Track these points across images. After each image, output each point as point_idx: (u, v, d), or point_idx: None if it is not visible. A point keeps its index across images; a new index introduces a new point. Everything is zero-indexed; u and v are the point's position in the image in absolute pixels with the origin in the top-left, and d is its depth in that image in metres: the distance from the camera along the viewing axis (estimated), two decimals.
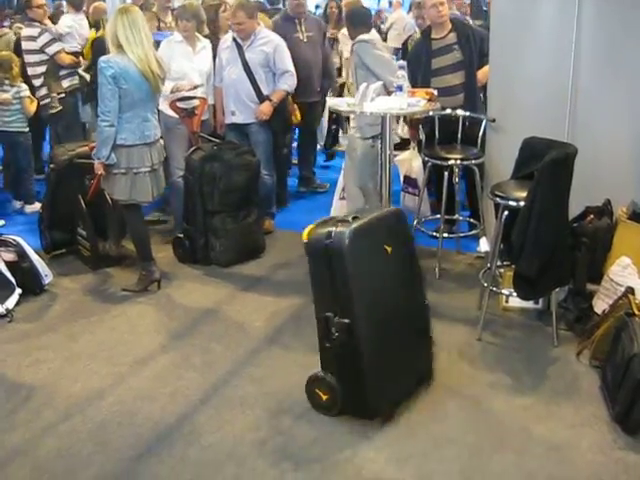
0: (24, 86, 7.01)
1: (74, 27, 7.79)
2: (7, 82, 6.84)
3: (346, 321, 3.41)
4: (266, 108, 6.00)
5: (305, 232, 3.51)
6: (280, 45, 6.05)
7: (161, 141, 5.20)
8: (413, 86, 5.20)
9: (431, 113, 5.32)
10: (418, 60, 5.64)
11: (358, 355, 3.46)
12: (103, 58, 4.77)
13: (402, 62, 5.09)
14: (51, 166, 5.76)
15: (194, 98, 5.90)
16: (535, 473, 3.21)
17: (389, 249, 3.60)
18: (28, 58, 7.28)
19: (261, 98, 6.04)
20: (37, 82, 7.29)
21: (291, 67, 6.12)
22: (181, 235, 5.80)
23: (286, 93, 6.14)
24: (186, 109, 5.93)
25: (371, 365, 3.47)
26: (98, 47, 6.92)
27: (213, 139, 6.08)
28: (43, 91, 7.31)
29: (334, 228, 3.44)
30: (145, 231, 5.31)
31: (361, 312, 3.44)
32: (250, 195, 5.79)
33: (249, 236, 5.83)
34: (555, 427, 3.54)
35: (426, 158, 5.36)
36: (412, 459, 3.32)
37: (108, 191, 5.12)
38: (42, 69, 7.27)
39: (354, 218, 3.51)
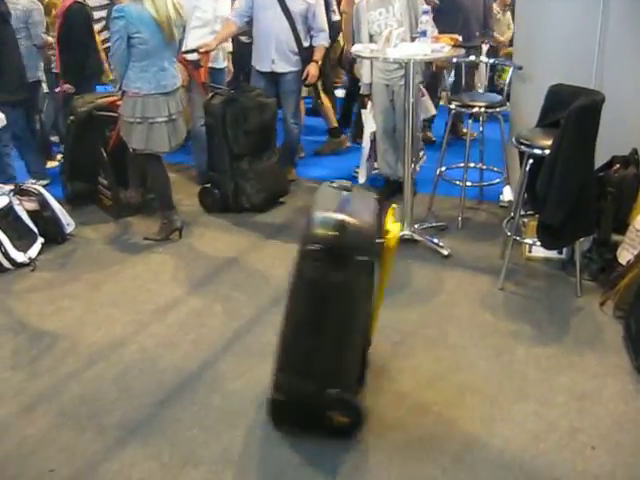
0: None
1: None
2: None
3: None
4: (315, 70, 5.95)
5: None
6: None
7: (181, 90, 5.15)
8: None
9: (455, 60, 5.24)
10: None
11: None
12: (117, 7, 4.75)
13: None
14: (71, 118, 5.74)
15: (195, 51, 5.79)
16: (556, 422, 3.20)
17: None
18: None
19: (300, 50, 5.93)
20: None
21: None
22: (208, 185, 5.77)
23: (325, 50, 6.06)
24: (192, 61, 5.87)
25: None
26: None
27: (221, 88, 6.02)
28: None
29: None
30: (166, 180, 5.29)
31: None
32: (271, 135, 5.77)
33: (276, 177, 5.88)
34: (577, 377, 3.53)
35: (451, 105, 5.29)
36: (435, 407, 3.32)
37: (126, 140, 5.10)
38: None
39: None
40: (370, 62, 5.47)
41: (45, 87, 6.98)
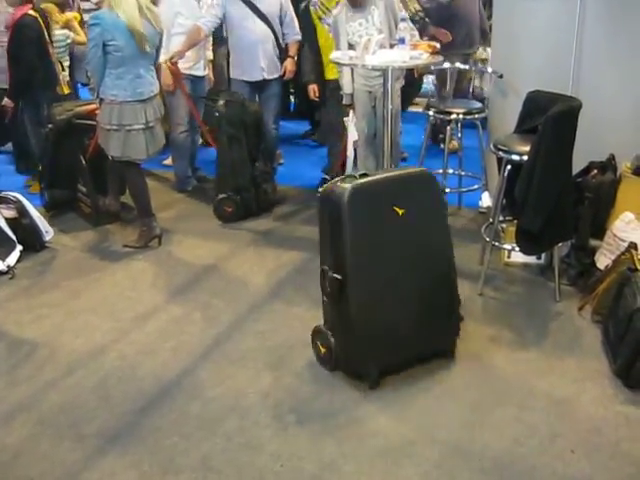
0: None
1: None
2: None
3: (338, 277, 3.38)
4: (292, 65, 6.01)
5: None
6: None
7: (158, 98, 5.13)
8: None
9: (432, 67, 5.28)
10: None
11: (347, 314, 3.43)
12: (93, 14, 4.76)
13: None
14: (49, 126, 5.71)
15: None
16: (536, 427, 3.21)
17: (400, 211, 3.43)
18: None
19: (281, 52, 5.97)
20: None
21: (297, 20, 6.04)
22: (225, 194, 5.68)
23: (299, 44, 6.09)
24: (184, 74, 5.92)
25: (360, 328, 3.43)
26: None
27: (205, 97, 6.13)
28: None
29: (339, 183, 3.41)
30: (144, 187, 5.28)
31: (354, 271, 3.38)
32: (262, 139, 5.88)
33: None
34: (556, 381, 3.55)
35: (430, 112, 5.32)
36: (413, 413, 3.33)
37: (104, 148, 5.08)
38: None
39: (362, 175, 3.46)
40: (351, 71, 5.48)
41: None
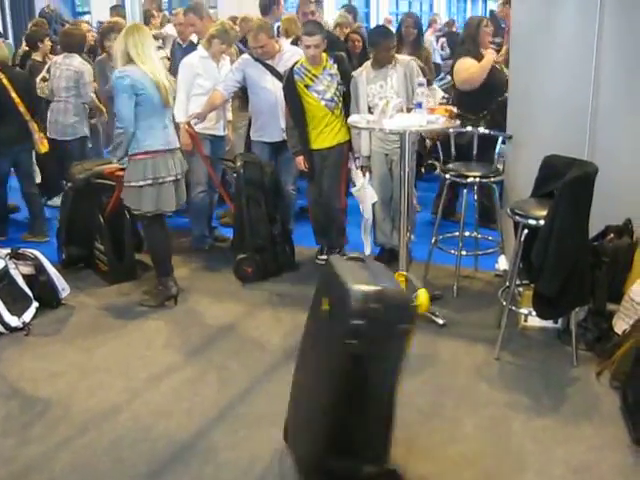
0: None
1: None
2: None
3: None
4: None
5: None
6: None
7: (180, 152, 5.21)
8: None
9: (451, 131, 5.32)
10: None
11: None
12: (118, 69, 4.83)
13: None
14: (68, 184, 5.80)
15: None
16: None
17: (325, 306, 3.11)
18: None
19: None
20: None
21: None
22: (244, 254, 5.71)
23: None
24: (199, 133, 6.00)
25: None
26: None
27: (222, 159, 6.17)
28: None
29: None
30: (166, 243, 5.30)
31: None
32: (279, 200, 5.96)
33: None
34: (574, 449, 3.49)
35: (446, 175, 5.34)
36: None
37: (133, 206, 5.08)
38: None
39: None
40: (369, 134, 5.54)
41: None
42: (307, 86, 5.56)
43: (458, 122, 4.94)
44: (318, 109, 5.61)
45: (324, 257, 5.74)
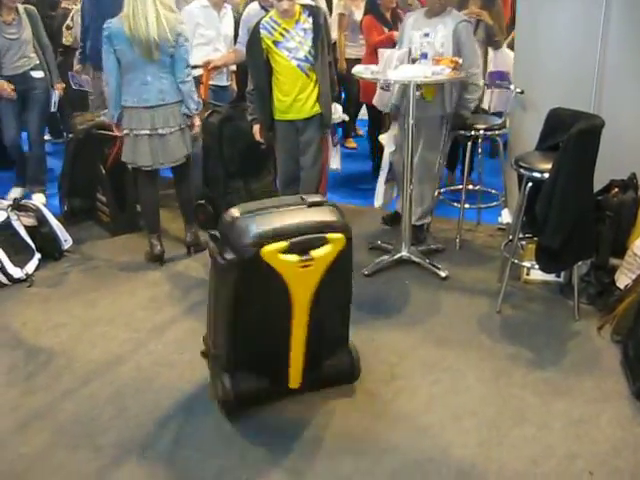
0: None
1: None
2: None
3: None
4: None
5: None
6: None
7: (176, 107, 4.99)
8: None
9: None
10: None
11: None
12: (107, 20, 4.80)
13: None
14: (70, 135, 5.77)
15: (197, 67, 5.73)
16: (554, 447, 3.18)
17: None
18: None
19: None
20: None
21: None
22: (202, 201, 5.73)
23: None
24: (194, 77, 5.87)
25: None
26: None
27: (220, 105, 6.00)
28: None
29: None
30: (152, 200, 5.18)
31: None
32: (269, 155, 5.61)
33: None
34: (575, 401, 3.51)
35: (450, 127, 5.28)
36: (430, 430, 3.31)
37: (123, 155, 5.07)
38: None
39: None
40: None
41: None
42: (276, 42, 4.82)
43: (463, 74, 4.85)
44: (289, 70, 4.86)
45: None
